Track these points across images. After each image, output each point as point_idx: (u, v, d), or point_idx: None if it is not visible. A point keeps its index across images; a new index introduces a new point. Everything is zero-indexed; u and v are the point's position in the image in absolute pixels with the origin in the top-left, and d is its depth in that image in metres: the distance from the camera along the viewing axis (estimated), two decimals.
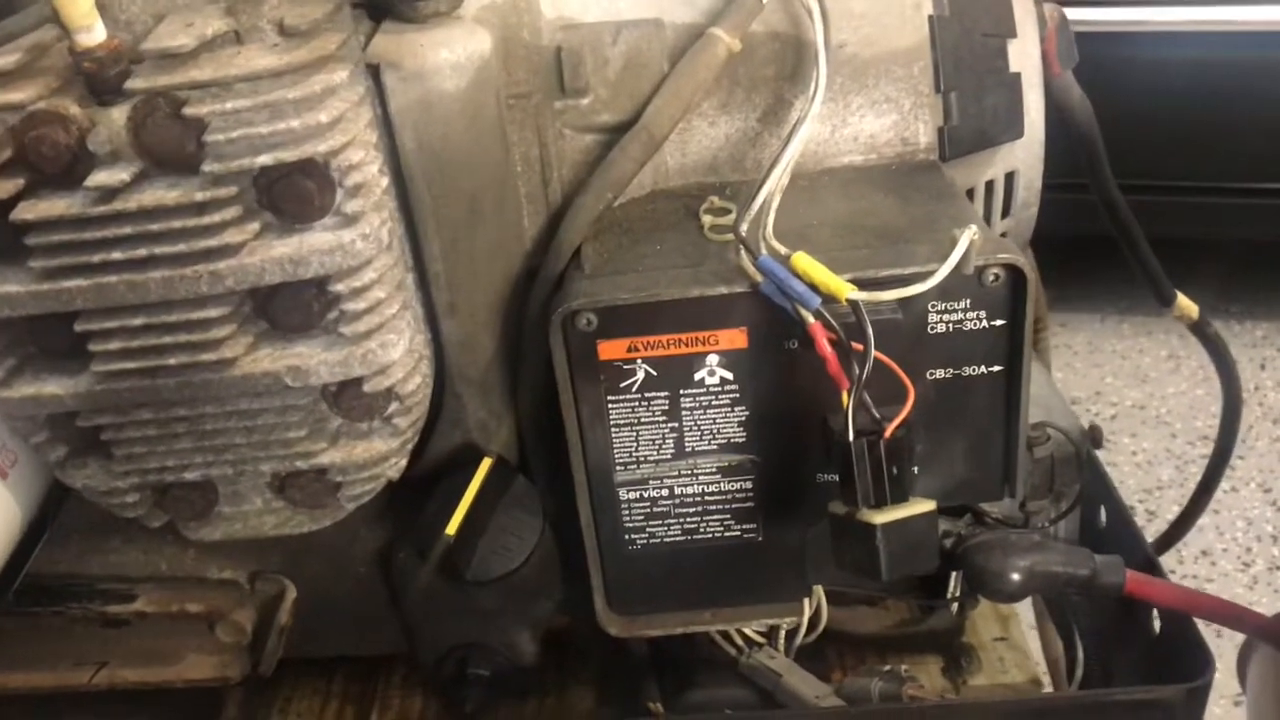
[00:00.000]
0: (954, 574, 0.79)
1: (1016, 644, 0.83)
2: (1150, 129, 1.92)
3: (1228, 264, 2.24)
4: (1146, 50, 1.98)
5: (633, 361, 0.66)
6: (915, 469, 0.65)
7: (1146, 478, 1.98)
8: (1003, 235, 0.82)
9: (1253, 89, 1.96)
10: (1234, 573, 1.79)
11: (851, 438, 0.60)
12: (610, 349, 0.65)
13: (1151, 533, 0.88)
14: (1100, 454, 2.02)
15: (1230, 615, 0.72)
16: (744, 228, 0.63)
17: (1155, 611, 0.75)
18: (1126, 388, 2.24)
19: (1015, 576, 0.69)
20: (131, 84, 0.56)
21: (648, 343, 0.65)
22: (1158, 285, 1.00)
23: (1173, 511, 1.90)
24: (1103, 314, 2.40)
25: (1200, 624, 0.70)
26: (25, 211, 0.57)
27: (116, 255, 0.58)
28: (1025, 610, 0.94)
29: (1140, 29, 1.97)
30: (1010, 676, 0.81)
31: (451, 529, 0.68)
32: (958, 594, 0.80)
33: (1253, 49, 1.94)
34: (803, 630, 0.77)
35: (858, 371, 0.59)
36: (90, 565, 0.76)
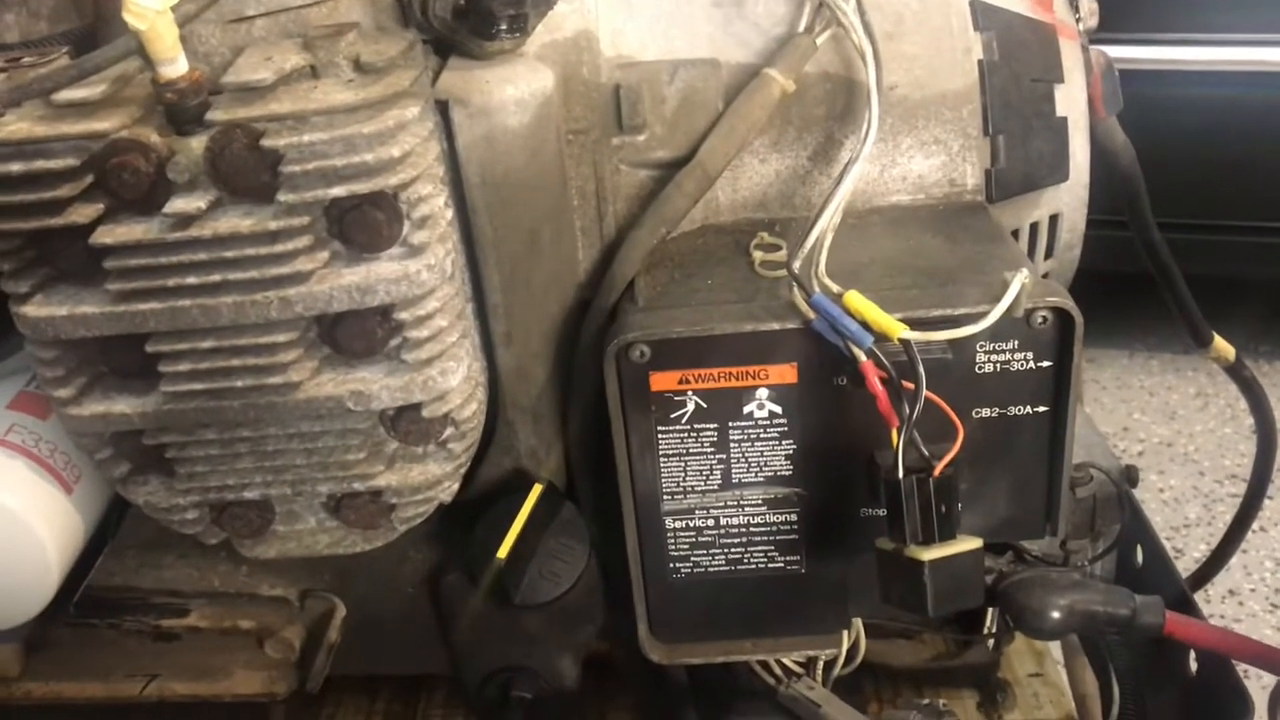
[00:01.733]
0: (990, 610, 0.80)
1: (1051, 680, 0.84)
2: (1189, 167, 1.93)
3: (1259, 304, 2.23)
4: (1186, 89, 1.99)
5: (683, 393, 0.67)
6: (960, 507, 0.66)
7: (1174, 515, 1.98)
8: (1045, 276, 0.83)
9: None
10: (1262, 614, 1.78)
11: (901, 475, 0.61)
12: (662, 380, 0.67)
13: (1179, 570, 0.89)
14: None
15: (1271, 659, 0.72)
16: (797, 265, 0.64)
17: (1192, 653, 0.76)
18: (1154, 424, 2.23)
19: (1055, 614, 0.70)
20: (211, 115, 0.58)
21: (699, 375, 0.66)
22: (1195, 327, 1.01)
23: (1200, 550, 1.90)
24: (1131, 350, 2.40)
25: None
26: (104, 235, 0.59)
27: (190, 280, 0.60)
28: (1055, 646, 0.95)
29: (1182, 68, 1.98)
30: (1045, 713, 0.82)
31: (503, 553, 0.70)
32: (994, 629, 0.80)
33: None
34: (841, 661, 0.77)
35: (908, 410, 0.61)
36: (145, 579, 0.78)
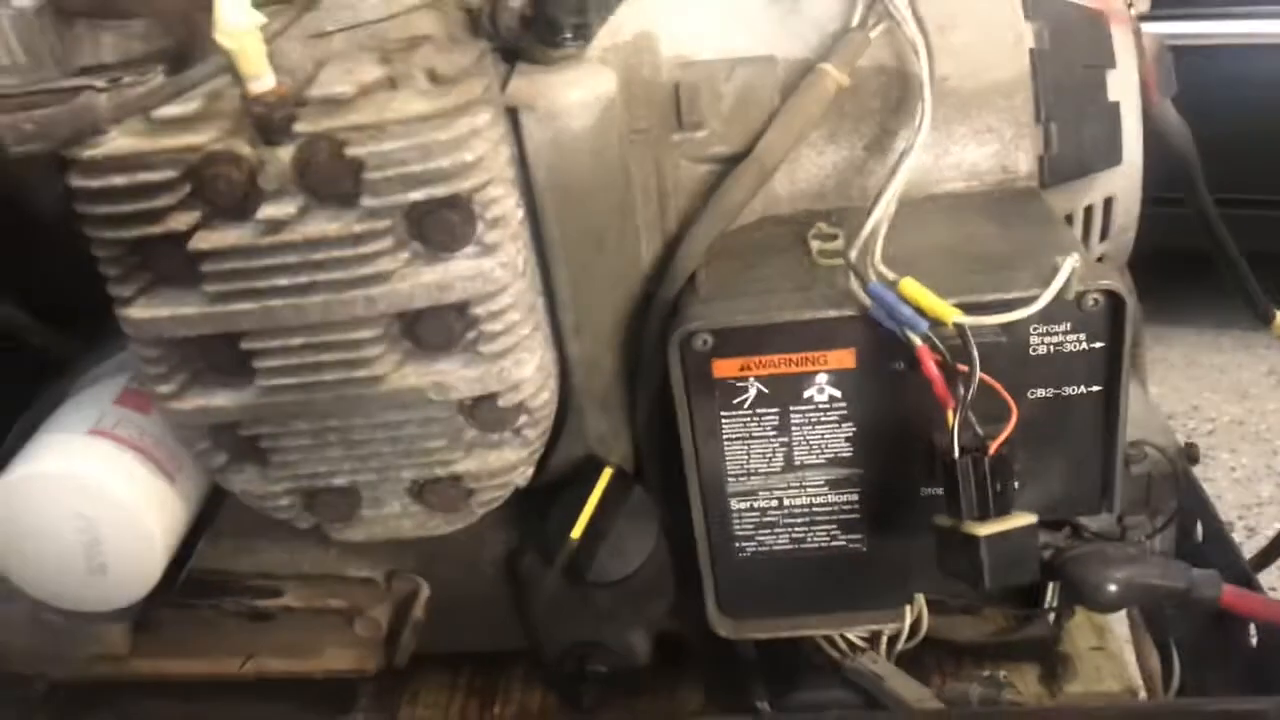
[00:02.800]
0: (1051, 584, 0.82)
1: (1113, 654, 0.86)
2: (1250, 143, 1.91)
3: None
4: (1246, 65, 1.97)
5: (745, 379, 0.70)
6: (1016, 484, 0.68)
7: (1245, 494, 1.96)
8: (1100, 258, 0.84)
9: None
10: None
11: (957, 455, 0.64)
12: (724, 367, 0.69)
13: (1250, 549, 0.89)
14: (1197, 469, 2.01)
15: None
16: (853, 254, 0.67)
17: (1253, 626, 0.77)
18: (1225, 403, 2.22)
19: (1112, 588, 0.72)
20: (298, 127, 0.62)
21: (760, 362, 0.69)
22: (1255, 302, 1.01)
23: (1273, 528, 1.88)
24: (1200, 328, 2.38)
25: None
26: (201, 241, 0.64)
27: (282, 281, 0.64)
28: (1121, 625, 0.96)
29: (1242, 42, 1.96)
30: (1106, 685, 0.83)
31: (576, 533, 0.73)
32: (1055, 604, 0.82)
33: None
34: (904, 636, 0.80)
35: (963, 392, 0.63)
36: (240, 564, 0.83)
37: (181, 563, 0.78)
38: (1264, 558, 1.23)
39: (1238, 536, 1.82)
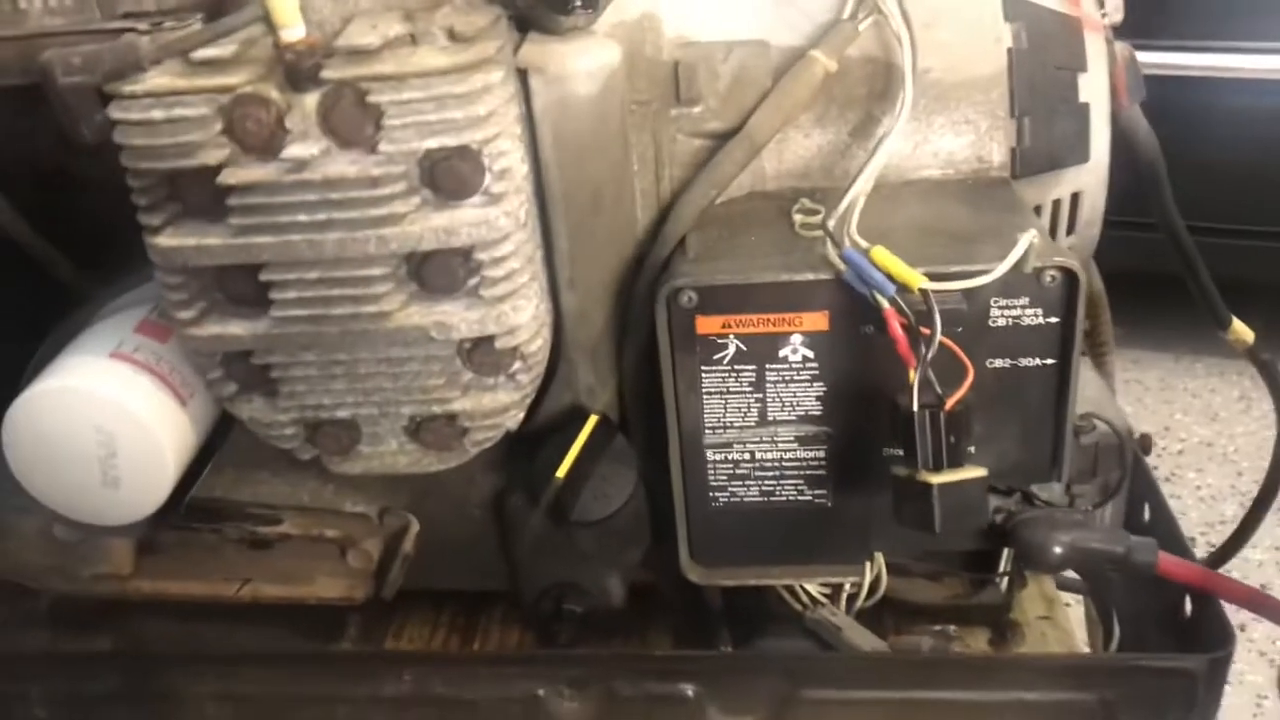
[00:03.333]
0: (1005, 552, 0.87)
1: (1059, 624, 0.91)
2: (1214, 173, 1.98)
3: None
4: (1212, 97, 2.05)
5: (726, 337, 0.75)
6: (972, 448, 0.73)
7: (1210, 512, 2.02)
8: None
9: None
10: None
11: (916, 408, 0.69)
12: (707, 324, 0.75)
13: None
14: (1166, 487, 2.08)
15: (1259, 602, 0.79)
16: (831, 223, 0.72)
17: (1188, 597, 0.82)
18: (1196, 425, 2.28)
19: (1057, 550, 0.77)
20: (325, 74, 0.67)
21: (740, 320, 0.74)
22: (1214, 308, 1.07)
23: (1244, 546, 1.94)
24: (1176, 353, 2.44)
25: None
26: (229, 177, 0.68)
27: (301, 218, 0.69)
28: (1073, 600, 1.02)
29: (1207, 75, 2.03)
30: (1051, 650, 0.88)
31: (561, 473, 0.78)
32: (1008, 570, 0.88)
33: None
34: (864, 592, 0.85)
35: (924, 351, 0.68)
36: (242, 493, 0.88)
37: (186, 489, 0.83)
38: (1217, 559, 1.29)
39: (1200, 552, 1.88)
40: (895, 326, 0.69)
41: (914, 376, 0.69)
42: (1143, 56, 1.99)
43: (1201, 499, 2.07)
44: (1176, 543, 0.85)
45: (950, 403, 0.69)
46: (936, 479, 0.68)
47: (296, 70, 0.67)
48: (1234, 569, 1.88)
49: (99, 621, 0.89)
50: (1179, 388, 2.39)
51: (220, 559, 0.87)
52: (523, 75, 0.73)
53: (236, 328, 0.74)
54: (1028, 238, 0.69)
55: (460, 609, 0.93)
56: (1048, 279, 0.71)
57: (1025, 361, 0.74)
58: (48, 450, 0.75)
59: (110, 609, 0.89)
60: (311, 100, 0.68)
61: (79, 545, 0.86)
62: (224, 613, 0.88)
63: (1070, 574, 0.97)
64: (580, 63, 0.74)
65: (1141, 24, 1.93)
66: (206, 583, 0.87)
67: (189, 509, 0.84)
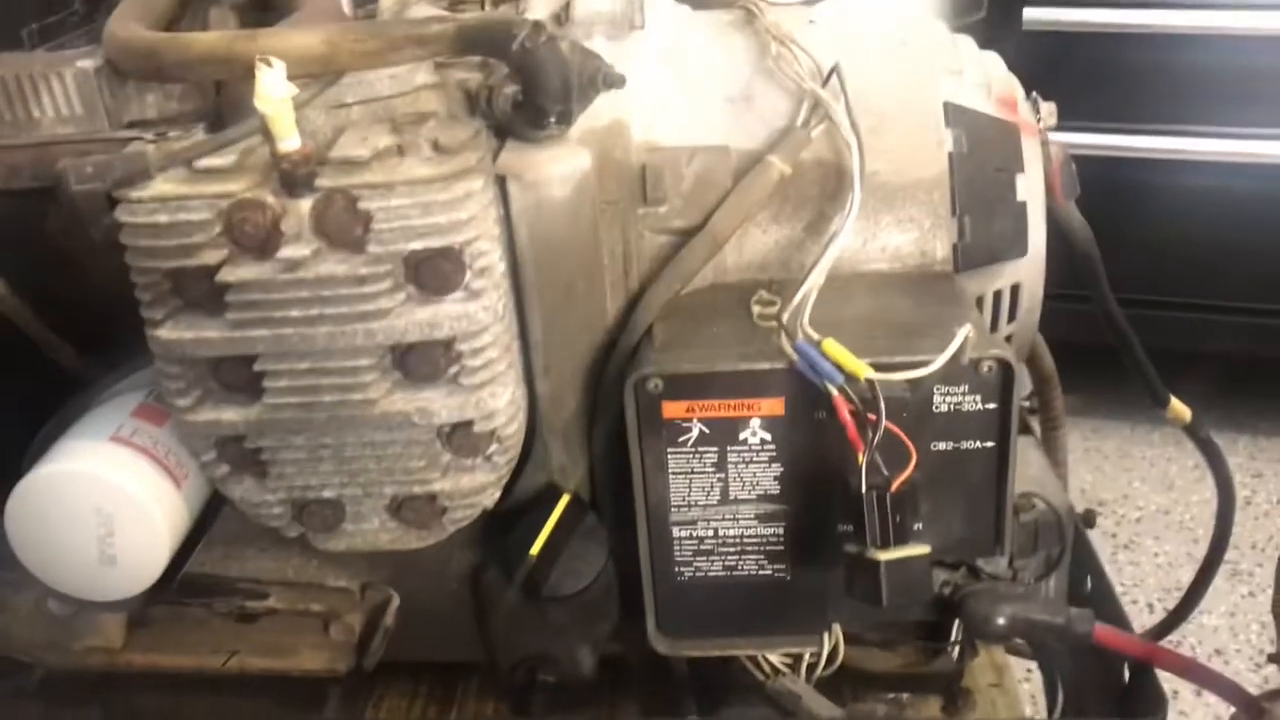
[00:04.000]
0: (956, 623, 0.92)
1: (1008, 691, 0.96)
2: (1148, 247, 2.08)
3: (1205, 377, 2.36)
4: (1150, 176, 2.16)
5: (690, 421, 0.80)
6: (919, 526, 0.78)
7: (1166, 579, 2.08)
8: (1008, 337, 0.96)
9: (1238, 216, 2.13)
10: (1246, 673, 1.88)
11: (864, 490, 0.74)
12: (673, 409, 0.80)
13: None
14: (1124, 554, 2.14)
15: (1193, 671, 0.84)
16: (786, 316, 0.78)
17: (1126, 666, 0.88)
18: (1153, 493, 2.34)
19: (1001, 621, 0.82)
20: (319, 182, 0.73)
21: (703, 405, 0.79)
22: (1153, 388, 1.14)
23: (1193, 611, 2.00)
24: (1134, 422, 2.51)
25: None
26: (227, 275, 0.74)
27: (294, 313, 0.74)
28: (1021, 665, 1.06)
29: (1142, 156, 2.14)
30: (1000, 716, 0.93)
31: (535, 550, 0.83)
32: (958, 640, 0.92)
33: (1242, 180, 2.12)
34: (822, 662, 0.90)
35: (871, 436, 0.74)
36: (230, 569, 0.92)
37: (179, 566, 0.87)
38: (1162, 630, 1.35)
39: (1156, 617, 1.93)
40: (844, 413, 0.75)
41: (862, 460, 0.74)
42: (1095, 139, 2.10)
43: (1159, 565, 2.13)
44: (1115, 614, 0.91)
45: (896, 484, 0.74)
46: (884, 555, 0.74)
47: (292, 178, 0.73)
48: (1189, 634, 1.95)
49: (90, 695, 0.92)
50: (1137, 455, 2.46)
51: (209, 632, 0.91)
52: (501, 181, 0.79)
53: (230, 414, 0.79)
54: (964, 332, 0.74)
55: (438, 680, 0.97)
56: (985, 369, 0.77)
57: (967, 444, 0.80)
58: (48, 529, 0.80)
59: (101, 682, 0.92)
60: (305, 205, 0.73)
61: (71, 619, 0.90)
62: (212, 685, 0.91)
63: (1021, 643, 1.02)
64: (554, 169, 0.80)
65: (1094, 110, 2.04)
66: (195, 655, 0.91)
67: (180, 584, 0.88)
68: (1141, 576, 2.09)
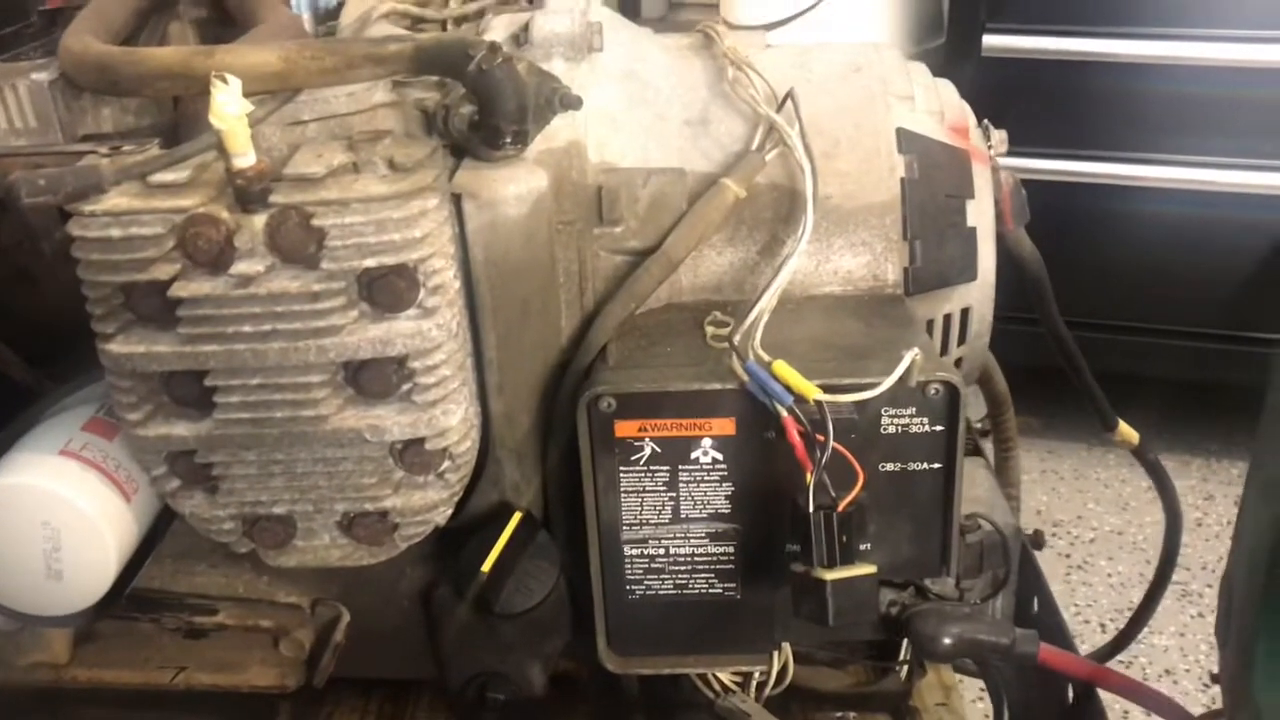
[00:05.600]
0: (905, 642, 0.93)
1: (955, 710, 0.97)
2: (1098, 272, 2.12)
3: (1153, 402, 2.40)
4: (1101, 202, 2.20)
5: (642, 439, 0.81)
6: (867, 546, 0.79)
7: (1119, 599, 2.10)
8: (958, 360, 0.97)
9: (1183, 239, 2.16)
10: (1194, 692, 1.90)
11: (811, 510, 0.75)
12: (625, 428, 0.80)
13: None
14: (1078, 574, 2.16)
15: (1136, 691, 0.86)
16: (737, 338, 0.79)
17: (1070, 687, 0.89)
18: (1107, 514, 2.37)
19: (947, 640, 0.83)
20: (273, 198, 0.73)
21: (655, 425, 0.80)
22: (1102, 412, 1.16)
23: (1141, 631, 2.03)
24: (1090, 444, 2.54)
25: None
26: (180, 290, 0.74)
27: (246, 328, 0.74)
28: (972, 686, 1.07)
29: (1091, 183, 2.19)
30: None
31: (486, 567, 0.83)
32: (906, 660, 0.93)
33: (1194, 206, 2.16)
34: (771, 680, 0.90)
35: (819, 456, 0.75)
36: (180, 584, 0.91)
37: (127, 581, 0.87)
38: (1112, 649, 1.36)
39: (1107, 635, 1.96)
40: (793, 434, 0.76)
41: (810, 480, 0.75)
42: (1048, 164, 2.13)
43: (1112, 586, 2.15)
44: (1061, 635, 0.92)
45: (843, 504, 0.75)
46: (830, 575, 0.74)
47: (246, 194, 0.73)
48: (1139, 654, 1.97)
49: (34, 710, 0.91)
50: (1092, 477, 2.49)
51: (156, 648, 0.90)
52: (457, 199, 0.79)
53: (181, 428, 0.79)
54: (911, 355, 0.76)
55: (388, 696, 0.97)
56: (932, 391, 0.78)
57: (914, 465, 0.81)
58: None
59: (46, 698, 0.91)
60: (259, 221, 0.73)
61: (16, 635, 0.89)
62: (159, 701, 0.90)
63: (969, 662, 1.03)
64: (510, 188, 0.81)
65: (1049, 135, 2.07)
66: (142, 671, 0.90)
67: (129, 599, 0.87)
68: (1095, 597, 2.11)
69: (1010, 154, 1.01)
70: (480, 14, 1.04)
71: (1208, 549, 2.23)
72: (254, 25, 0.93)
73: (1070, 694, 0.89)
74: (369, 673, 0.95)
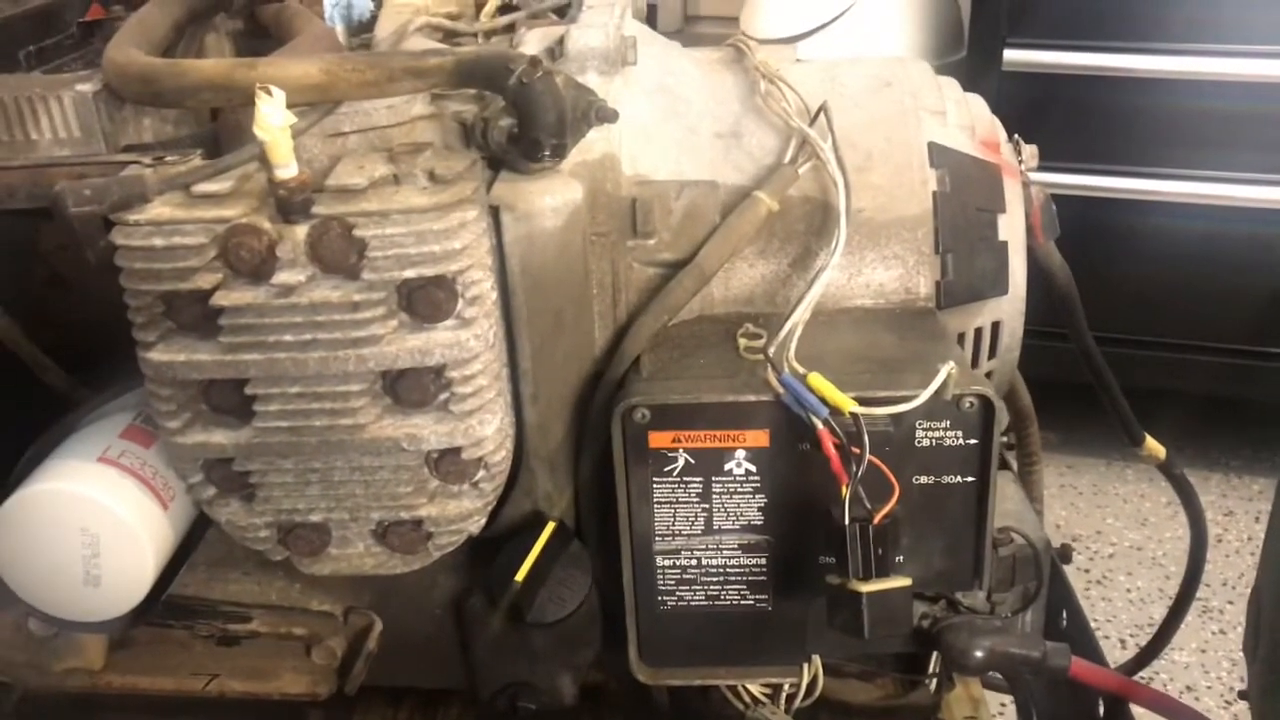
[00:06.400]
0: (934, 656, 0.93)
1: None
2: (1126, 287, 2.12)
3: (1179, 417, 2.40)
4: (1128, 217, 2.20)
5: (676, 451, 0.81)
6: (900, 558, 0.80)
7: (1139, 614, 2.10)
8: (989, 374, 0.98)
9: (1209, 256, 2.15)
10: (1217, 710, 1.89)
11: (847, 522, 0.75)
12: (659, 439, 0.81)
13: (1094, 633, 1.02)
14: (1097, 590, 2.15)
15: (1167, 706, 0.86)
16: (772, 350, 0.79)
17: (1101, 701, 0.89)
18: (1127, 529, 2.36)
19: (978, 654, 0.83)
20: (315, 209, 0.74)
21: (689, 436, 0.81)
22: (1128, 427, 1.16)
23: (1165, 647, 2.02)
24: (1109, 459, 2.54)
25: None
26: (221, 299, 0.74)
27: (287, 337, 0.75)
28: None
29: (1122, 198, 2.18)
30: None
31: (520, 576, 0.84)
32: (936, 672, 0.93)
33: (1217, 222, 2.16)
34: (801, 692, 0.90)
35: (854, 469, 0.75)
36: (214, 592, 0.92)
37: (163, 588, 0.87)
38: (1136, 665, 1.36)
39: (1128, 653, 1.95)
40: (829, 446, 0.76)
41: (845, 492, 0.75)
42: (1073, 179, 2.12)
43: (1131, 602, 2.14)
44: (1090, 648, 0.92)
45: (878, 517, 0.75)
46: (865, 588, 0.75)
47: (288, 204, 0.74)
48: (1161, 670, 1.97)
49: (69, 715, 0.92)
50: (1111, 493, 2.48)
51: (189, 655, 0.91)
52: (494, 211, 0.80)
53: (219, 436, 0.79)
54: (947, 368, 0.76)
55: (418, 706, 0.97)
56: (966, 405, 0.78)
57: (948, 479, 0.81)
58: (34, 548, 0.80)
59: (80, 704, 0.92)
60: (301, 231, 0.74)
61: (52, 640, 0.89)
62: (192, 708, 0.91)
63: (997, 676, 1.03)
64: (547, 200, 0.81)
65: (1073, 150, 2.07)
66: (175, 678, 0.91)
67: (163, 606, 0.88)
68: (1114, 612, 2.10)
69: (1034, 170, 1.01)
70: (511, 28, 1.05)
71: (1228, 565, 2.23)
72: (289, 38, 0.94)
73: (1101, 708, 0.88)
74: (400, 681, 0.95)
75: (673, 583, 0.85)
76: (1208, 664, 1.98)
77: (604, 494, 0.84)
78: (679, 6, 2.81)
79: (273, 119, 0.71)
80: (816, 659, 0.89)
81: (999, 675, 1.01)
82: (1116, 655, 1.93)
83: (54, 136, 0.81)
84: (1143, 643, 2.03)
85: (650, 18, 1.37)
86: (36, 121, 0.81)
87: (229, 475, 0.82)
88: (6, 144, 0.82)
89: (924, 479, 0.81)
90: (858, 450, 0.75)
